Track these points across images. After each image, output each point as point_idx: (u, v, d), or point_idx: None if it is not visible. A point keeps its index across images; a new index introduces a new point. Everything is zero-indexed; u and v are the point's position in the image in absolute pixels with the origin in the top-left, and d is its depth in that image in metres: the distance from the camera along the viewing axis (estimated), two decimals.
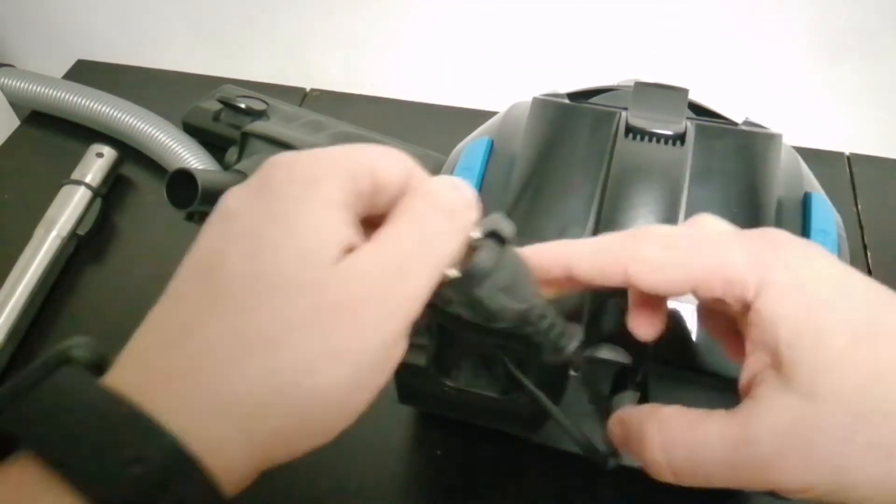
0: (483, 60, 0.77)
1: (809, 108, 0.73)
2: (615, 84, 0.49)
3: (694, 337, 0.35)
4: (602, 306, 0.34)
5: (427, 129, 0.75)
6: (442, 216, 0.21)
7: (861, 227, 0.65)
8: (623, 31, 0.71)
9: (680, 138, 0.38)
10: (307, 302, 0.18)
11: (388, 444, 0.50)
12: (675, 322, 0.36)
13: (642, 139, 0.38)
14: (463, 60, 0.78)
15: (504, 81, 0.77)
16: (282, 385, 0.18)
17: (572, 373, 0.36)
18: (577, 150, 0.40)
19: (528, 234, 0.38)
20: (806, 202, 0.40)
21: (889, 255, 0.63)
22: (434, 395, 0.42)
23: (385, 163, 0.21)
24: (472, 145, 0.44)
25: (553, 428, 0.41)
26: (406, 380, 0.43)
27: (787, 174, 0.41)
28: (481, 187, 0.41)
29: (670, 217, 0.35)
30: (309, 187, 0.20)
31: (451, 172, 0.43)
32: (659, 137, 0.38)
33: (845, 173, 0.71)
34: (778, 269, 0.23)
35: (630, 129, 0.38)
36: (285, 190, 0.20)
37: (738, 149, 0.40)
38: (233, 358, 0.18)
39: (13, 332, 0.55)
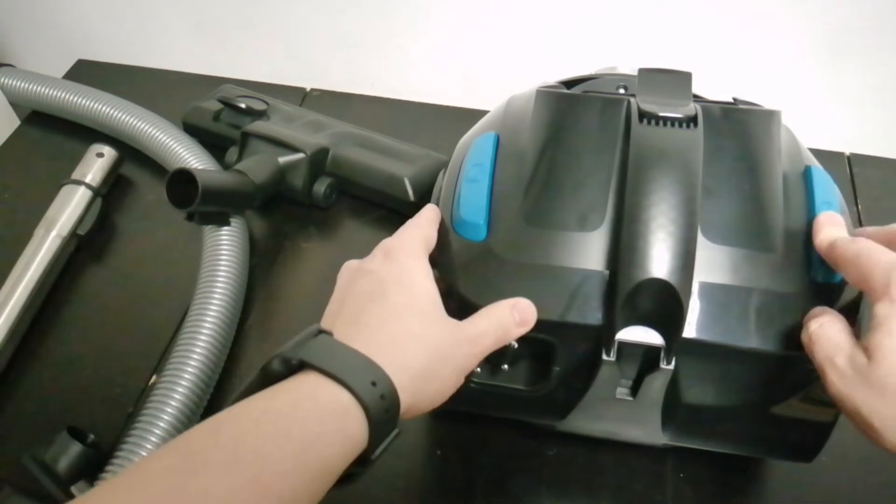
0: (483, 59, 0.77)
1: (810, 108, 0.73)
2: (596, 72, 0.49)
3: (722, 315, 0.36)
4: (635, 290, 0.35)
5: (427, 129, 0.75)
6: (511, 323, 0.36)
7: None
8: (621, 29, 0.71)
9: (692, 120, 0.38)
10: (430, 318, 0.35)
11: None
12: (703, 300, 0.36)
13: (657, 124, 0.38)
14: (463, 60, 0.78)
15: (503, 78, 0.77)
16: (418, 335, 0.34)
17: (605, 357, 0.37)
18: (587, 139, 0.40)
19: (547, 224, 0.38)
20: (807, 175, 0.41)
21: None
22: (459, 391, 0.42)
23: (429, 234, 0.39)
24: (479, 140, 0.44)
25: (577, 416, 0.42)
26: None
27: (787, 149, 0.42)
28: (493, 181, 0.41)
29: (690, 197, 0.35)
30: (412, 259, 0.37)
31: (459, 168, 0.43)
32: (672, 121, 0.38)
33: (845, 173, 0.71)
34: None
35: (643, 115, 0.38)
36: (401, 261, 0.37)
37: (742, 127, 0.41)
38: (392, 326, 0.34)
39: (13, 332, 0.56)
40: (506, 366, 0.41)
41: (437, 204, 0.44)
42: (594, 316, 0.36)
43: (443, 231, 0.42)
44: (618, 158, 0.39)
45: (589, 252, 0.37)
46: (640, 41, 0.71)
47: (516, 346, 0.38)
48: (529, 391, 0.42)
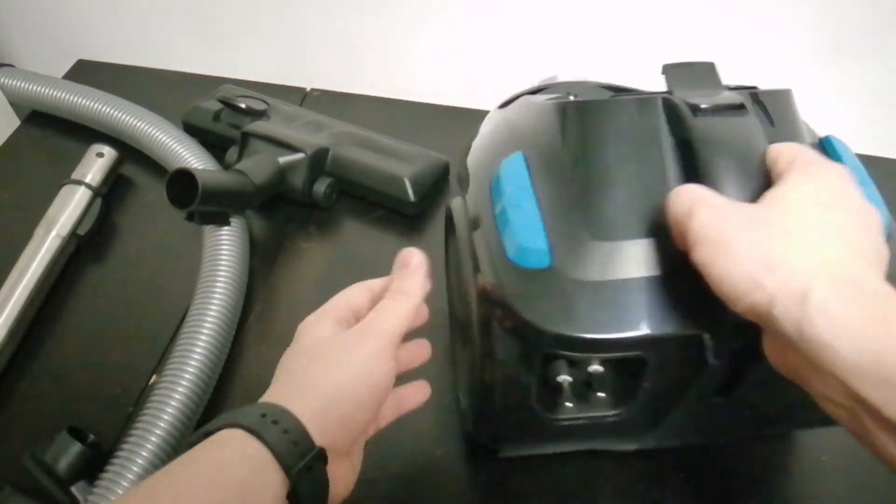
0: (483, 59, 0.77)
1: (809, 108, 0.73)
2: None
3: None
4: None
5: (427, 129, 0.75)
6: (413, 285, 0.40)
7: None
8: (621, 28, 0.71)
9: (741, 106, 0.37)
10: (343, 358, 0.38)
11: (387, 445, 0.50)
12: None
13: (711, 114, 0.36)
14: (463, 60, 0.78)
15: (503, 78, 0.77)
16: (340, 385, 0.37)
17: (711, 361, 0.35)
18: (629, 142, 0.38)
19: (615, 235, 0.36)
20: (826, 145, 0.41)
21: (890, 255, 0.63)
22: (540, 434, 0.41)
23: (352, 295, 0.41)
24: (509, 163, 0.40)
25: (663, 430, 0.42)
26: (508, 430, 0.43)
27: (804, 124, 0.42)
28: (539, 203, 0.38)
29: (765, 184, 0.34)
30: (322, 327, 0.40)
31: (489, 193, 0.40)
32: (724, 109, 0.37)
33: None
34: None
35: (693, 108, 0.37)
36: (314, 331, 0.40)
37: (770, 108, 0.40)
38: (316, 382, 0.37)
39: (13, 332, 0.56)
40: (599, 393, 0.39)
41: (475, 229, 0.41)
42: (690, 324, 0.34)
43: (497, 266, 0.38)
44: (671, 155, 0.37)
45: (667, 256, 0.35)
46: (641, 41, 0.71)
47: (602, 369, 0.36)
48: (615, 415, 0.40)
